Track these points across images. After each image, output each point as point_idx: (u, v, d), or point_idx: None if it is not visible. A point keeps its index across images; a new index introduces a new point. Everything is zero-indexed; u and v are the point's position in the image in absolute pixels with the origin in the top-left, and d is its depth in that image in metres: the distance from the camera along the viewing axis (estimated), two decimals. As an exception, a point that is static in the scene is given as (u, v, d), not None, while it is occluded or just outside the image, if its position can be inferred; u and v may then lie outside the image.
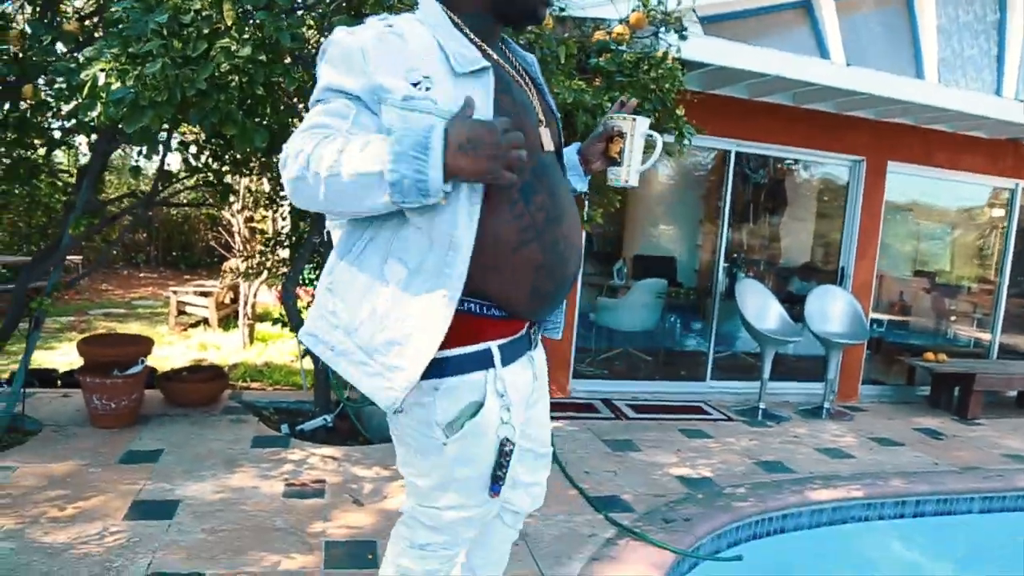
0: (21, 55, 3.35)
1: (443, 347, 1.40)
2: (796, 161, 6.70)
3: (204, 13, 2.58)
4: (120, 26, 2.61)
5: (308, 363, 5.46)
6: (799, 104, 5.74)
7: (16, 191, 3.99)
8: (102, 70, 2.55)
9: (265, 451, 4.12)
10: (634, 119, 1.70)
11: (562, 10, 3.86)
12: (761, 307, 5.70)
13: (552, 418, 5.07)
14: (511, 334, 1.52)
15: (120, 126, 2.37)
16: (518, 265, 1.45)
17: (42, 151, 4.21)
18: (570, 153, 1.79)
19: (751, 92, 5.57)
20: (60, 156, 5.58)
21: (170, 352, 7.14)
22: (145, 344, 4.80)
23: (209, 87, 2.51)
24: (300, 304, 4.82)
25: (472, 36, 1.48)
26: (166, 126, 2.66)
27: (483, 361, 1.47)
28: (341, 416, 4.59)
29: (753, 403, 5.68)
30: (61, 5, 3.86)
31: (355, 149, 1.24)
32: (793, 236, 7.40)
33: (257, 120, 2.64)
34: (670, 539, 3.35)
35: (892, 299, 7.20)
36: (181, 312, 8.52)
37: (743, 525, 3.73)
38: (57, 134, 3.99)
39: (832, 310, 5.87)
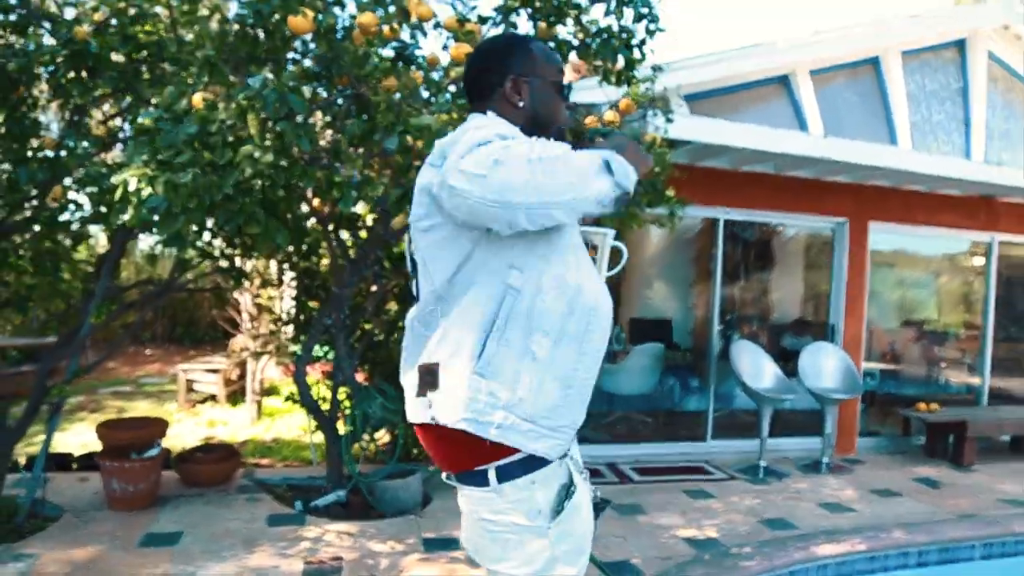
0: (53, 158, 3.59)
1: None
2: (782, 224, 6.98)
3: (229, 123, 2.83)
4: (150, 135, 2.85)
5: (319, 437, 5.57)
6: (781, 172, 6.04)
7: (38, 281, 4.19)
8: (134, 176, 2.78)
9: (282, 529, 4.22)
10: (605, 233, 1.93)
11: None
12: (756, 367, 5.87)
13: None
14: None
15: (154, 230, 2.59)
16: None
17: (67, 243, 4.42)
18: None
19: (735, 163, 5.87)
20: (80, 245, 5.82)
21: (180, 430, 7.22)
22: (160, 426, 4.94)
23: (235, 192, 2.74)
24: (309, 379, 4.98)
25: None
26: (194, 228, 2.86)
27: (563, 437, 1.62)
28: (354, 491, 4.69)
29: (754, 460, 5.80)
30: (92, 110, 4.13)
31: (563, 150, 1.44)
32: (784, 295, 7.64)
33: (278, 220, 2.86)
34: (681, 602, 3.45)
35: (883, 350, 7.39)
36: (190, 389, 8.63)
37: (752, 584, 3.82)
38: (75, 226, 4.22)
39: (825, 366, 6.04)
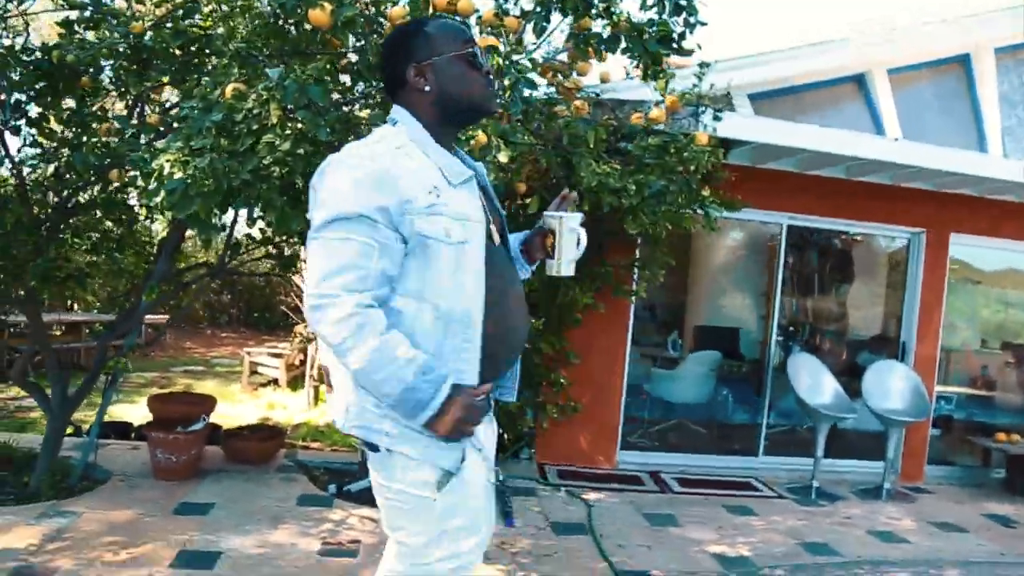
0: (111, 145, 3.77)
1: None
2: (852, 234, 6.61)
3: (254, 112, 2.90)
4: (184, 123, 2.96)
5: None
6: (852, 177, 5.72)
7: (102, 262, 4.43)
8: (168, 161, 2.89)
9: (309, 509, 4.31)
10: (562, 217, 1.87)
11: (597, 95, 4.07)
12: (814, 381, 5.58)
13: (595, 489, 5.01)
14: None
15: (173, 211, 2.68)
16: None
17: (120, 225, 4.67)
18: (515, 245, 1.97)
19: (802, 166, 5.60)
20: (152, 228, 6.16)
21: (241, 410, 7.53)
22: (209, 403, 5.14)
23: (253, 178, 2.80)
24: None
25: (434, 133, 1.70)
26: (217, 211, 2.95)
27: None
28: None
29: (806, 481, 5.51)
30: (151, 96, 4.34)
31: (386, 356, 1.49)
32: (851, 309, 7.23)
33: (296, 207, 2.91)
34: (695, 619, 3.31)
35: (963, 373, 6.89)
36: (253, 372, 8.99)
37: (777, 609, 3.63)
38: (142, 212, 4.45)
39: (892, 386, 5.68)
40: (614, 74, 4.39)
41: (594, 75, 4.31)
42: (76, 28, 3.78)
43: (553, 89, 3.94)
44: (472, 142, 2.71)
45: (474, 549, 1.73)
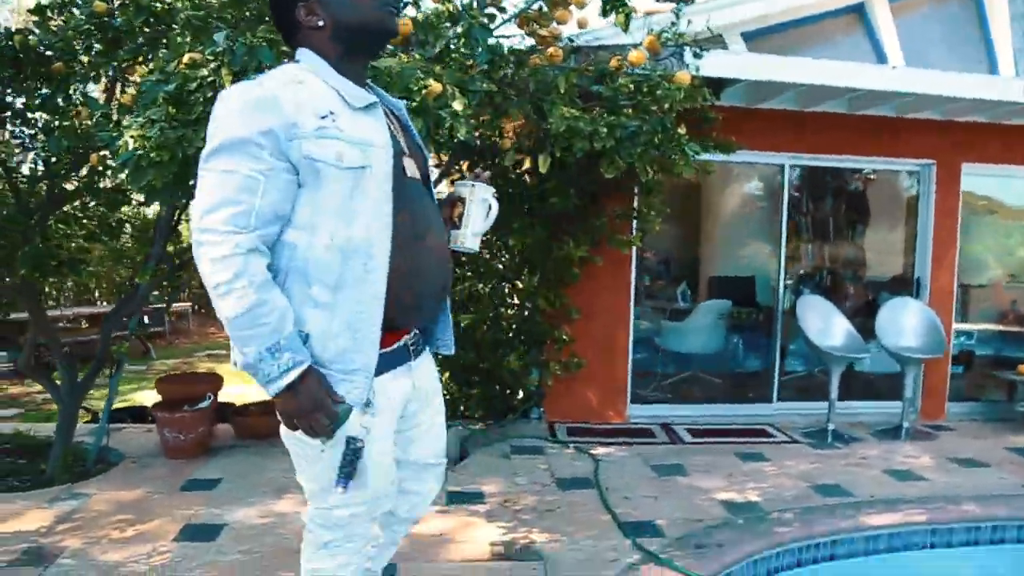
0: (86, 128, 3.78)
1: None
2: (859, 171, 6.40)
3: (208, 79, 2.86)
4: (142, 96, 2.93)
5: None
6: (855, 111, 5.52)
7: (97, 248, 4.46)
8: (131, 137, 2.87)
9: (316, 479, 4.34)
10: (473, 186, 1.83)
11: (571, 40, 3.95)
12: (825, 323, 5.45)
13: (604, 444, 4.98)
14: (383, 346, 1.64)
15: (131, 185, 2.67)
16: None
17: (126, 209, 4.70)
18: None
19: (800, 103, 5.42)
20: (150, 212, 6.18)
21: (257, 390, 7.61)
22: (216, 381, 5.20)
23: (207, 145, 2.77)
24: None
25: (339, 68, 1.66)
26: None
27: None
28: (393, 445, 4.77)
29: (822, 425, 5.41)
30: (126, 76, 4.32)
31: (253, 319, 1.46)
32: (863, 249, 7.04)
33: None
34: (698, 565, 3.27)
35: (992, 309, 6.68)
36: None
37: (784, 552, 3.57)
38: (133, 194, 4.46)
39: (906, 323, 5.53)
40: (595, 22, 4.27)
41: (575, 25, 4.22)
42: (48, 13, 3.77)
43: (531, 39, 3.85)
44: (425, 91, 2.64)
45: (368, 500, 1.72)
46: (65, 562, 3.22)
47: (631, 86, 3.37)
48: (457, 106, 2.67)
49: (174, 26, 3.62)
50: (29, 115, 3.87)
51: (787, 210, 5.79)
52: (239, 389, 7.43)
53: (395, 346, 1.71)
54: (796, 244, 6.46)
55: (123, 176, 2.87)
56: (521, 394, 5.60)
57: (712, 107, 4.57)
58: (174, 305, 12.60)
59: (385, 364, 1.66)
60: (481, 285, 5.20)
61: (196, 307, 14.23)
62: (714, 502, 4.05)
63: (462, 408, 5.68)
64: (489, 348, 5.25)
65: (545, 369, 5.31)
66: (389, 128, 1.68)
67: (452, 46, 3.28)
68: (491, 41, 3.24)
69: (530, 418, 5.64)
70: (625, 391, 5.62)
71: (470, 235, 1.86)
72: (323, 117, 1.53)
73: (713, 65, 4.14)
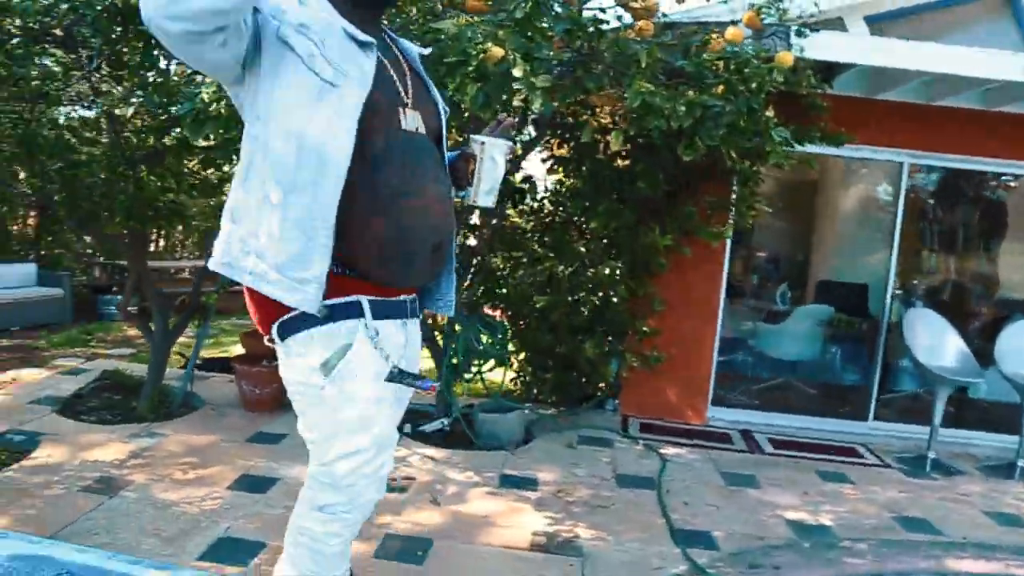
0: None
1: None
2: (993, 174, 5.73)
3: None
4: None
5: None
6: (991, 107, 4.93)
7: (189, 201, 4.66)
8: (207, 93, 2.93)
9: (376, 445, 4.39)
10: (483, 142, 1.75)
11: (664, 16, 3.72)
12: (935, 340, 4.94)
13: (676, 444, 4.72)
14: (381, 295, 1.64)
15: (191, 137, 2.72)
16: (366, 234, 1.58)
17: (227, 168, 4.88)
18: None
19: (926, 95, 4.89)
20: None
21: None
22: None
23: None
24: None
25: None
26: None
27: (353, 310, 1.62)
28: (459, 420, 4.75)
29: (921, 451, 4.93)
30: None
31: None
32: (990, 262, 6.31)
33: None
34: (748, 585, 3.05)
35: None
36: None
37: (849, 584, 3.27)
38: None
39: (1033, 350, 4.92)
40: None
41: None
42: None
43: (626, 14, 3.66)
44: (485, 54, 2.53)
45: (371, 447, 1.66)
46: (127, 495, 3.40)
47: (718, 63, 3.11)
48: (517, 72, 2.55)
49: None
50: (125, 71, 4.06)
51: (903, 213, 5.27)
52: None
53: (392, 298, 1.68)
54: (912, 251, 5.88)
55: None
56: (597, 383, 5.43)
57: (822, 95, 4.20)
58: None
59: (382, 311, 1.65)
60: (562, 267, 5.06)
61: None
62: (781, 521, 3.77)
63: (535, 391, 5.59)
64: (567, 332, 5.13)
65: (622, 360, 5.12)
66: (390, 77, 1.64)
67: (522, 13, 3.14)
68: (559, 10, 3.07)
69: (605, 409, 5.48)
70: (706, 391, 5.34)
71: (482, 193, 1.80)
72: (306, 26, 1.52)
73: (824, 47, 3.79)
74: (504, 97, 2.81)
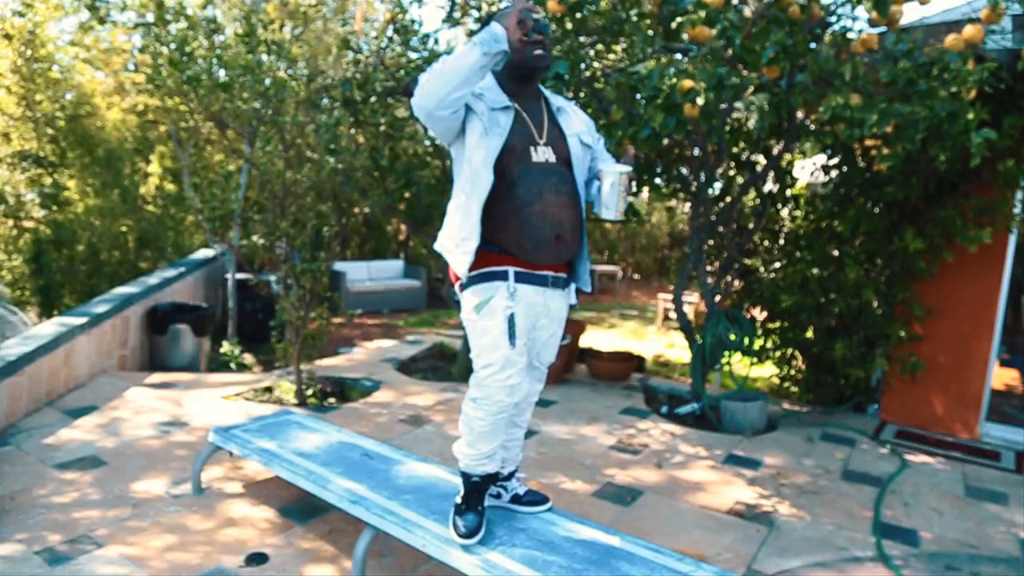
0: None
1: (482, 267, 2.39)
2: None
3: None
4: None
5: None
6: None
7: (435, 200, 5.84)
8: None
9: (625, 418, 5.11)
10: (601, 169, 2.38)
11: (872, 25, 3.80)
12: None
13: (930, 453, 4.68)
14: (525, 268, 2.40)
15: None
16: (508, 229, 2.38)
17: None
18: (590, 175, 2.58)
19: None
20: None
21: (644, 346, 8.60)
22: (578, 327, 6.29)
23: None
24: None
25: (505, 88, 2.47)
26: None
27: (500, 276, 2.39)
28: (710, 407, 5.22)
29: None
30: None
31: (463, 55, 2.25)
32: None
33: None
34: (934, 582, 3.14)
35: None
36: (667, 317, 9.97)
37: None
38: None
39: None
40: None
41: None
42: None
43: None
44: (676, 87, 3.13)
45: (497, 363, 2.36)
46: (427, 428, 4.64)
47: (908, 71, 3.19)
48: (700, 100, 3.10)
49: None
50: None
51: None
52: (599, 336, 8.55)
53: (535, 272, 2.42)
54: None
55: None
56: (855, 386, 5.43)
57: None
58: (605, 266, 14.43)
59: (524, 279, 2.40)
60: (816, 270, 5.22)
61: (626, 272, 15.97)
62: (1012, 537, 3.61)
63: (791, 388, 5.77)
64: (823, 333, 5.27)
65: (871, 364, 5.09)
66: (526, 126, 2.42)
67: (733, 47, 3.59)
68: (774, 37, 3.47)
69: (865, 413, 5.45)
70: (979, 405, 5.00)
71: (603, 209, 2.38)
72: (480, 96, 2.38)
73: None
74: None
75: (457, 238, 2.40)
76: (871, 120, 3.17)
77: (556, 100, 2.58)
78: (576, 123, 2.55)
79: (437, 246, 2.54)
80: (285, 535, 3.15)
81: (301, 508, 3.40)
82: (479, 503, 2.58)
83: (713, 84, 3.27)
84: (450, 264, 2.49)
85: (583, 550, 2.46)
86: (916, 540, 3.50)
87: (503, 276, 2.39)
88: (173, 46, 4.86)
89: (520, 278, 2.40)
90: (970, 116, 3.05)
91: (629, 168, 2.41)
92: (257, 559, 2.93)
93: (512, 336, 2.33)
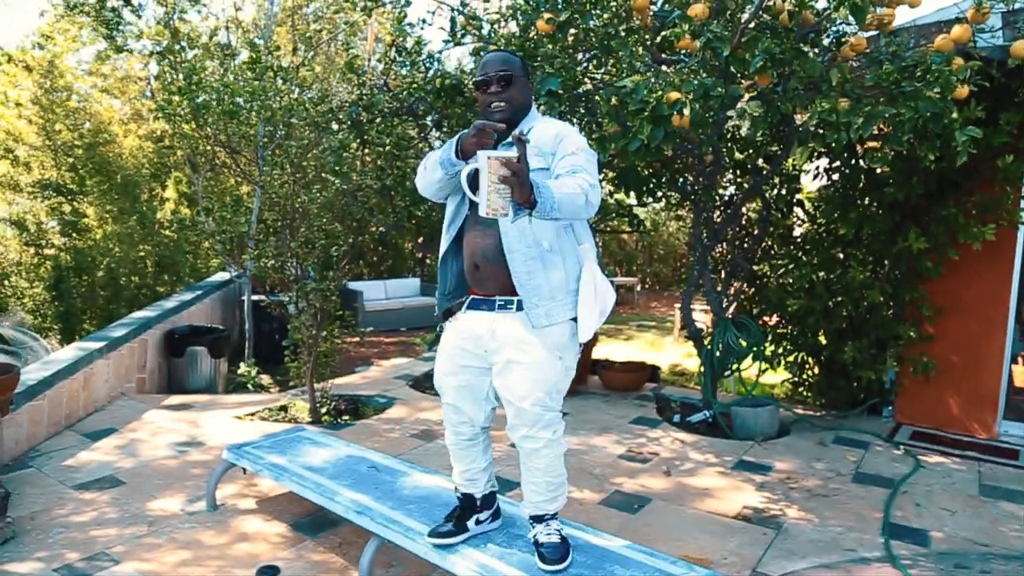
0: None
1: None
2: None
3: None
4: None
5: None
6: None
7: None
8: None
9: (636, 427, 5.13)
10: (478, 153, 1.96)
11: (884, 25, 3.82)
12: None
13: (945, 453, 4.64)
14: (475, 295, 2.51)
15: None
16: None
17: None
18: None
19: None
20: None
21: (661, 356, 8.60)
22: (591, 340, 6.32)
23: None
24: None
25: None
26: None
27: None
28: (721, 414, 5.22)
29: None
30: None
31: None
32: None
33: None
34: (944, 582, 3.13)
35: None
36: (683, 327, 9.95)
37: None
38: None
39: None
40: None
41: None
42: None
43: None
44: (663, 99, 3.18)
45: (442, 378, 2.57)
46: (438, 442, 4.69)
47: (892, 74, 3.22)
48: (686, 111, 3.15)
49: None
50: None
51: None
52: (614, 348, 8.56)
53: (470, 298, 2.49)
54: None
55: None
56: (867, 389, 5.41)
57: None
58: (623, 278, 14.45)
59: (474, 305, 2.47)
60: (822, 273, 5.22)
61: (645, 283, 15.98)
62: (1026, 536, 3.58)
63: (804, 392, 5.75)
64: (831, 337, 5.26)
65: (882, 366, 5.07)
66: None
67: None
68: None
69: (879, 416, 5.42)
70: (995, 403, 4.96)
71: (483, 202, 1.94)
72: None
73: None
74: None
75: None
76: (856, 123, 3.20)
77: (534, 123, 2.45)
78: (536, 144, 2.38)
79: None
80: (296, 548, 3.22)
81: (312, 522, 3.47)
82: (461, 519, 2.68)
83: (700, 95, 3.33)
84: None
85: (579, 555, 2.50)
86: (926, 540, 3.49)
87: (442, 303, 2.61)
88: (182, 76, 5.01)
89: (470, 305, 2.48)
90: (954, 115, 3.07)
91: (500, 152, 1.95)
92: (268, 572, 3.00)
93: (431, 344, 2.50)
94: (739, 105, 3.64)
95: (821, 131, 3.38)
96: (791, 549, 3.34)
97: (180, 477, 4.02)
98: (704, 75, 3.37)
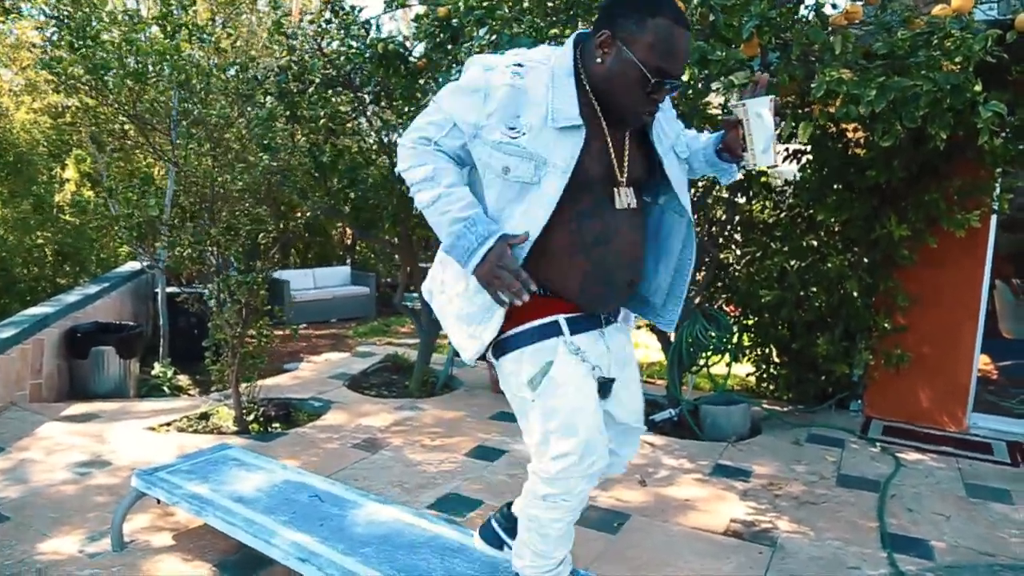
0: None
1: (521, 321, 1.77)
2: None
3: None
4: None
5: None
6: None
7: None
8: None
9: (599, 429, 4.73)
10: (743, 104, 1.74)
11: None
12: None
13: (921, 450, 4.39)
14: (577, 312, 1.82)
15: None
16: (568, 268, 1.78)
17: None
18: (707, 149, 1.93)
19: None
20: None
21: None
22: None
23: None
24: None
25: (587, 93, 1.74)
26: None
27: (554, 330, 1.79)
28: (689, 412, 4.88)
29: None
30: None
31: (439, 209, 1.70)
32: None
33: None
34: (959, 600, 2.85)
35: None
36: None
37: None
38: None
39: None
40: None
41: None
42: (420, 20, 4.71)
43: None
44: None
45: (575, 451, 1.75)
46: (385, 453, 4.17)
47: (908, 42, 2.89)
48: (684, 77, 2.72)
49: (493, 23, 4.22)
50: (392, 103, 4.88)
51: None
52: None
53: (587, 315, 1.85)
54: None
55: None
56: (837, 382, 5.17)
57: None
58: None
59: (579, 327, 1.81)
60: (795, 262, 4.93)
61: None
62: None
63: (769, 387, 5.49)
64: (802, 328, 4.98)
65: (856, 358, 4.84)
66: (611, 154, 1.78)
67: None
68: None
69: (848, 410, 5.19)
70: (966, 396, 4.79)
71: (759, 152, 1.77)
72: (511, 128, 1.68)
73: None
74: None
75: None
76: (868, 96, 2.85)
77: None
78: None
79: None
80: (223, 598, 2.67)
81: (243, 560, 2.90)
82: None
83: (696, 59, 2.91)
84: None
85: None
86: (929, 552, 3.21)
87: (556, 330, 1.79)
88: (74, 28, 4.25)
89: (575, 327, 1.80)
90: (977, 88, 2.76)
91: (773, 96, 1.76)
92: (189, 633, 2.45)
93: (534, 384, 1.77)
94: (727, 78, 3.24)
95: (820, 107, 3.01)
96: (792, 570, 3.00)
97: (80, 508, 3.37)
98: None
